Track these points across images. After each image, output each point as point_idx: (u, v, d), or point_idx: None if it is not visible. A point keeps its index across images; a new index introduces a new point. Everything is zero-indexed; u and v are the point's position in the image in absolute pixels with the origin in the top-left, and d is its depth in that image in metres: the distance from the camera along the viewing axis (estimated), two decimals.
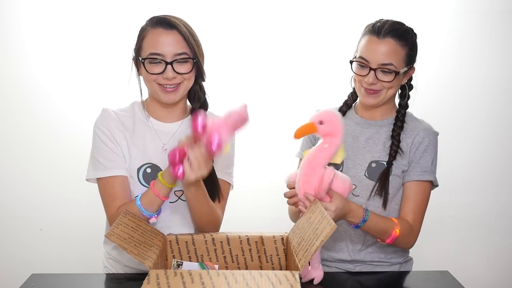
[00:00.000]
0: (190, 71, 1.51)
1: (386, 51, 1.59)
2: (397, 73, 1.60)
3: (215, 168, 1.59)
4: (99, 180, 1.56)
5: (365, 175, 1.67)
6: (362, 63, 1.62)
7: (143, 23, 1.57)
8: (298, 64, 2.63)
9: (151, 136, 1.59)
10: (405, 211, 1.65)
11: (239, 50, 2.61)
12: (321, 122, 1.42)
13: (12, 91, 2.61)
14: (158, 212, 1.49)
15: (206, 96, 1.63)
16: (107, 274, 1.63)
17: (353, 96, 1.76)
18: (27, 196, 2.65)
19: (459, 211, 2.72)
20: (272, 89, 2.64)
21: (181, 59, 1.49)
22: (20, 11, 2.56)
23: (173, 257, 1.46)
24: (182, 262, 1.44)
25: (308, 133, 1.45)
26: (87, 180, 1.59)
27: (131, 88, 1.61)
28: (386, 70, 1.59)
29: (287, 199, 1.72)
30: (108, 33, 2.54)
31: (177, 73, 1.49)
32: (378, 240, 1.62)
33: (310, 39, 2.61)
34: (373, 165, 1.67)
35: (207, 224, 1.58)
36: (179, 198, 1.59)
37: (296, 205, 1.49)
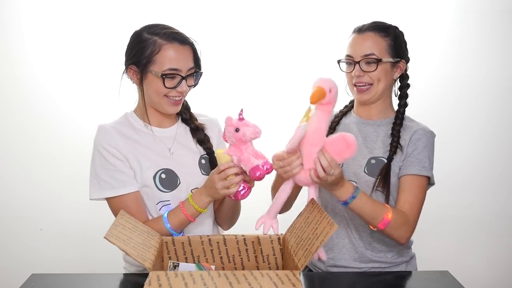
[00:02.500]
0: (196, 84, 1.58)
1: (366, 43, 1.67)
2: (379, 60, 1.65)
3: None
4: (109, 200, 1.57)
5: (364, 171, 1.68)
6: (348, 59, 1.69)
7: (143, 22, 1.58)
8: (297, 65, 2.63)
9: (155, 142, 1.61)
10: (401, 202, 1.63)
11: (239, 50, 2.62)
12: (330, 90, 1.42)
13: (12, 91, 2.61)
14: (182, 232, 1.56)
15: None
16: (107, 274, 1.63)
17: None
18: (27, 196, 2.65)
19: (459, 211, 2.72)
20: (272, 90, 2.64)
21: (192, 73, 1.55)
22: (20, 11, 2.57)
23: (169, 258, 1.45)
24: (178, 263, 1.43)
25: (321, 98, 1.42)
26: (91, 199, 1.58)
27: (123, 96, 1.62)
28: (369, 60, 1.66)
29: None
30: (108, 33, 2.54)
31: (188, 86, 1.55)
32: (371, 226, 1.61)
33: (307, 39, 2.62)
34: (373, 161, 1.68)
35: (235, 215, 1.70)
36: None
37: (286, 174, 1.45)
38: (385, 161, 1.67)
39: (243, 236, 1.46)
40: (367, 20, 1.71)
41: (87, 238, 2.48)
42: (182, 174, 1.60)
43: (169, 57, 1.51)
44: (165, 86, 1.51)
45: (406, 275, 1.68)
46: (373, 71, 1.65)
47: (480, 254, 2.77)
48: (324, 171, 1.40)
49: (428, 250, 2.38)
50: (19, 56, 2.58)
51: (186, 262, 1.45)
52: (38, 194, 2.63)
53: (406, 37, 1.73)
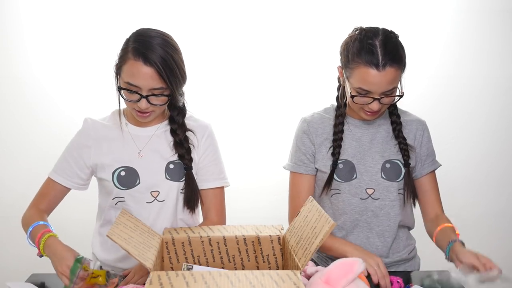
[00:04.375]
0: (165, 102, 1.55)
1: (389, 80, 1.55)
2: (401, 95, 1.61)
3: (207, 179, 1.68)
4: (47, 177, 1.68)
5: (382, 177, 1.68)
6: (365, 95, 1.58)
7: (142, 22, 1.59)
8: (295, 65, 2.62)
9: (127, 141, 1.65)
10: (432, 204, 1.74)
11: (235, 52, 2.61)
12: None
13: (12, 91, 2.60)
14: None
15: (185, 101, 1.67)
16: None
17: (341, 99, 1.73)
18: (27, 196, 2.64)
19: (459, 211, 2.71)
20: (270, 91, 2.64)
21: (157, 93, 1.51)
22: (20, 11, 2.56)
23: (169, 258, 1.45)
24: (192, 266, 1.43)
25: None
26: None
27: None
28: (388, 93, 1.58)
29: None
30: (107, 33, 2.53)
31: (151, 104, 1.52)
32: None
33: (304, 40, 2.61)
34: (387, 165, 1.68)
35: None
36: (155, 198, 1.63)
37: None
38: (400, 164, 1.69)
39: (243, 236, 1.45)
40: (367, 21, 1.68)
41: (87, 238, 2.47)
42: (144, 175, 1.62)
43: (129, 72, 1.49)
44: (123, 98, 1.54)
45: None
46: (392, 101, 1.62)
47: None
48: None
49: (428, 250, 2.38)
50: (18, 56, 2.57)
51: (186, 262, 1.45)
52: None
53: (406, 38, 1.68)
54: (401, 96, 1.62)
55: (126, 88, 1.51)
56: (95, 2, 2.57)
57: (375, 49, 1.55)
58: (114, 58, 1.58)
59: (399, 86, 1.62)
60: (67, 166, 1.66)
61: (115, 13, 2.55)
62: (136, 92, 1.50)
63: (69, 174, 1.66)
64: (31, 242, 1.55)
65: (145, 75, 1.47)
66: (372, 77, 1.54)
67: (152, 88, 1.49)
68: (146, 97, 1.50)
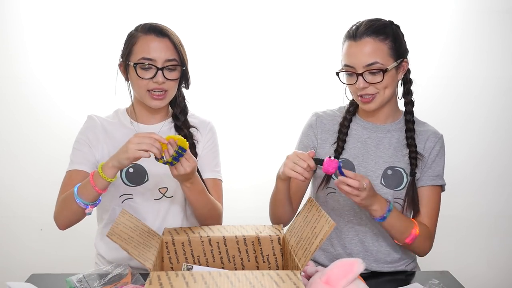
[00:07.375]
0: (178, 77, 1.59)
1: (366, 51, 1.53)
2: (385, 70, 1.53)
3: (203, 169, 1.70)
4: (66, 173, 1.65)
5: (381, 183, 1.64)
6: (348, 71, 1.57)
7: (142, 22, 1.61)
8: (295, 65, 2.62)
9: None
10: (421, 216, 1.64)
11: (235, 52, 2.61)
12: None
13: (12, 91, 2.61)
14: (94, 203, 1.50)
15: (186, 101, 1.71)
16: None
17: (354, 101, 1.70)
18: (27, 196, 2.65)
19: (459, 211, 2.72)
20: (270, 90, 2.64)
21: (171, 65, 1.56)
22: (20, 11, 2.56)
23: (169, 258, 1.45)
24: (192, 266, 1.43)
25: None
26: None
27: (119, 93, 1.68)
28: (373, 70, 1.54)
29: None
30: (107, 33, 2.54)
31: (167, 79, 1.56)
32: (396, 241, 1.61)
33: (305, 39, 2.61)
34: (389, 172, 1.64)
35: (209, 218, 1.65)
36: (164, 195, 1.66)
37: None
38: (403, 173, 1.64)
39: (243, 236, 1.45)
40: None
41: (87, 237, 2.47)
42: (152, 172, 1.64)
43: (143, 47, 1.56)
44: (138, 76, 1.55)
45: (406, 275, 1.68)
46: (380, 81, 1.54)
47: (480, 254, 2.77)
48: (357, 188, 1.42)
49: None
50: (18, 56, 2.58)
51: (186, 262, 1.45)
52: (38, 194, 2.62)
53: (406, 38, 1.65)
54: (383, 71, 1.53)
55: (140, 63, 1.55)
56: (95, 2, 2.57)
57: (359, 24, 1.59)
58: (114, 59, 1.60)
59: (390, 67, 1.55)
60: (81, 154, 1.64)
61: (114, 14, 2.55)
62: (152, 65, 1.54)
63: (88, 159, 1.63)
64: (82, 200, 1.47)
65: (159, 46, 1.55)
66: (350, 48, 1.56)
67: (166, 59, 1.55)
68: (162, 69, 1.54)
